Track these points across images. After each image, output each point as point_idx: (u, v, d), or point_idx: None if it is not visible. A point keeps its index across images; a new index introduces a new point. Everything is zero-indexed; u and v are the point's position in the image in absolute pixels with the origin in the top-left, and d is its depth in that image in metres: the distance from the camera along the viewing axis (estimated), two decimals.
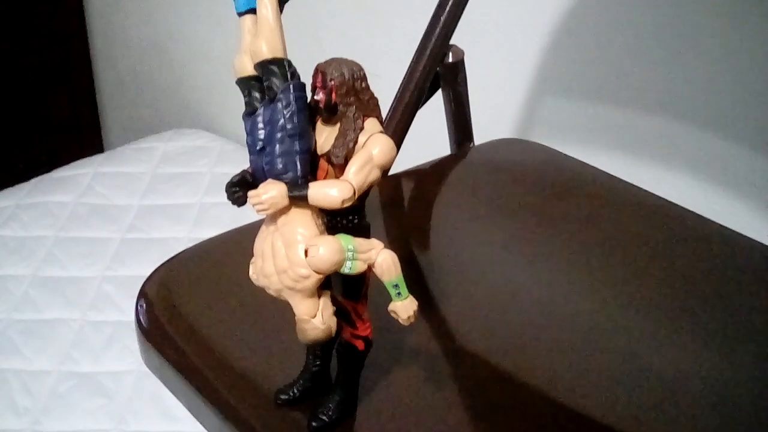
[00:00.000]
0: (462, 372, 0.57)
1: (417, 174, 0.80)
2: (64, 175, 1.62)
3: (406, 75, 0.83)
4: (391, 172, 0.72)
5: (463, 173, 0.84)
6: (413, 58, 0.83)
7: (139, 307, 0.62)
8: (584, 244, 0.70)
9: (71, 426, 1.10)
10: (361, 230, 0.45)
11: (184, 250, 0.68)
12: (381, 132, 0.45)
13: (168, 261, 0.67)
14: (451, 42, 0.83)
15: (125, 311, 1.26)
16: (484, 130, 0.89)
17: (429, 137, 0.88)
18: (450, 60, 0.83)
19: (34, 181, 1.61)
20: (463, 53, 0.84)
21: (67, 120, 2.09)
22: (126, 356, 1.19)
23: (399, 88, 0.83)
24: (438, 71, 0.83)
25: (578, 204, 0.76)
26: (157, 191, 1.56)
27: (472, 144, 0.89)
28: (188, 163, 1.65)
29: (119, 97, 2.14)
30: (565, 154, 0.83)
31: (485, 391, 0.54)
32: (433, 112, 0.86)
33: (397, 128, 0.82)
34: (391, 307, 0.45)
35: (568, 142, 1.00)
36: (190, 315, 0.61)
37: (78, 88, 2.11)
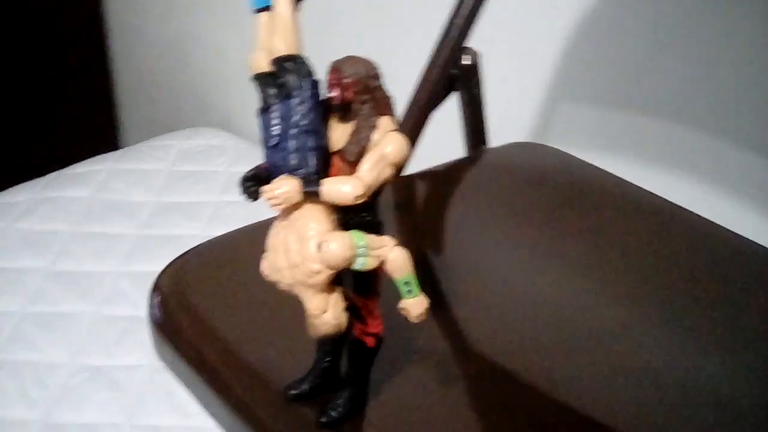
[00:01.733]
0: (471, 371, 0.57)
1: (431, 175, 0.80)
2: (80, 171, 1.63)
3: (421, 76, 0.83)
4: (404, 174, 0.73)
5: (477, 176, 0.84)
6: (429, 60, 0.83)
7: (152, 301, 0.62)
8: (597, 249, 0.70)
9: (83, 418, 1.11)
10: (374, 227, 0.45)
11: (197, 245, 0.69)
12: (395, 130, 0.45)
13: (182, 255, 0.67)
14: (468, 44, 0.83)
15: (139, 306, 1.26)
16: (499, 134, 0.89)
17: (443, 139, 0.88)
18: (466, 62, 0.83)
19: (50, 176, 1.62)
20: (479, 56, 0.84)
21: (84, 118, 2.10)
22: (138, 351, 1.20)
23: (414, 90, 0.83)
24: (453, 73, 0.83)
25: (592, 209, 0.76)
26: (173, 189, 1.57)
27: (486, 147, 0.89)
28: (204, 161, 1.65)
29: (136, 96, 2.15)
30: (579, 159, 0.83)
31: (494, 391, 0.55)
32: (448, 115, 0.86)
33: (412, 129, 0.82)
34: (402, 304, 0.45)
35: (583, 146, 1.00)
36: (203, 309, 0.62)
37: (95, 87, 2.12)
